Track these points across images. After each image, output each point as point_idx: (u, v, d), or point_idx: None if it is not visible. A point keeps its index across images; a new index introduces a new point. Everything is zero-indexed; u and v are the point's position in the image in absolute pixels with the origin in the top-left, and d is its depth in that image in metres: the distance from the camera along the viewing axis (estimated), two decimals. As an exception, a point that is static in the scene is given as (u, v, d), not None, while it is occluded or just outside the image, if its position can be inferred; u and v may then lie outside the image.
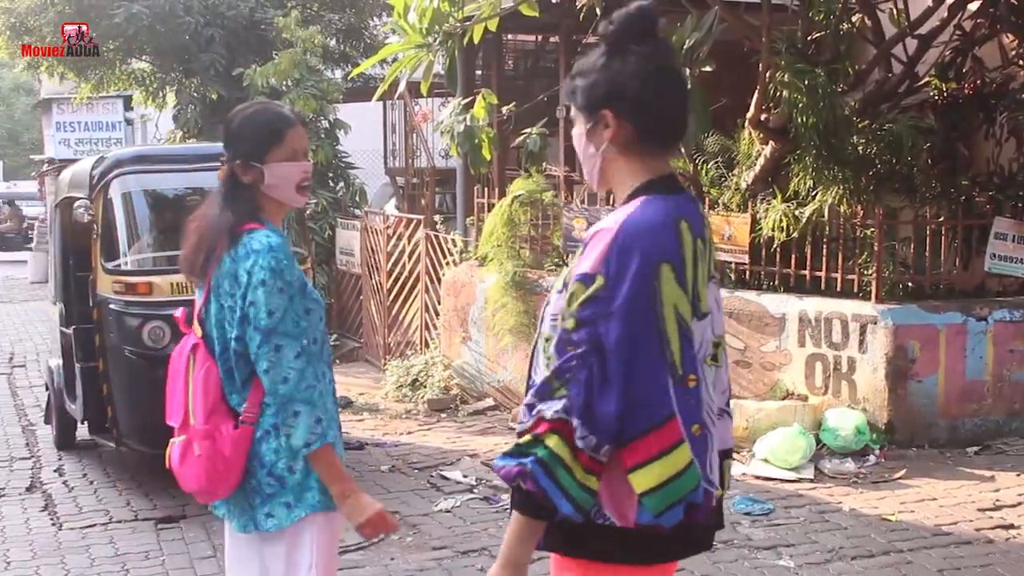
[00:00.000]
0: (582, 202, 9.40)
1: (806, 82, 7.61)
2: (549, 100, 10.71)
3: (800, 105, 7.66)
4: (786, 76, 7.84)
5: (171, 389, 3.20)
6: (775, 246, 7.95)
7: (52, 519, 6.70)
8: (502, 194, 9.84)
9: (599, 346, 2.26)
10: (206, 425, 3.06)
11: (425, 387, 9.95)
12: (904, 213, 8.38)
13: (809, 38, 8.27)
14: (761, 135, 8.44)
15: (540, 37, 13.65)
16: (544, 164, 9.48)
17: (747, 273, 8.16)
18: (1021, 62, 8.40)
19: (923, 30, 8.34)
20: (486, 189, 10.34)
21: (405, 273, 11.16)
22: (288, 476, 3.06)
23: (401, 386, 10.15)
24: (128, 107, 24.30)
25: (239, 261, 3.04)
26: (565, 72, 11.37)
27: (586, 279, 2.30)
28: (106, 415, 7.00)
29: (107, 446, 7.44)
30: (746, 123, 8.44)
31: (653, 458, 2.28)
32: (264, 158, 3.13)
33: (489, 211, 9.72)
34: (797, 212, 7.92)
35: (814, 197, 8.04)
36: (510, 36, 12.66)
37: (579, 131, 2.45)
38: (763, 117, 8.30)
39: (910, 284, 8.04)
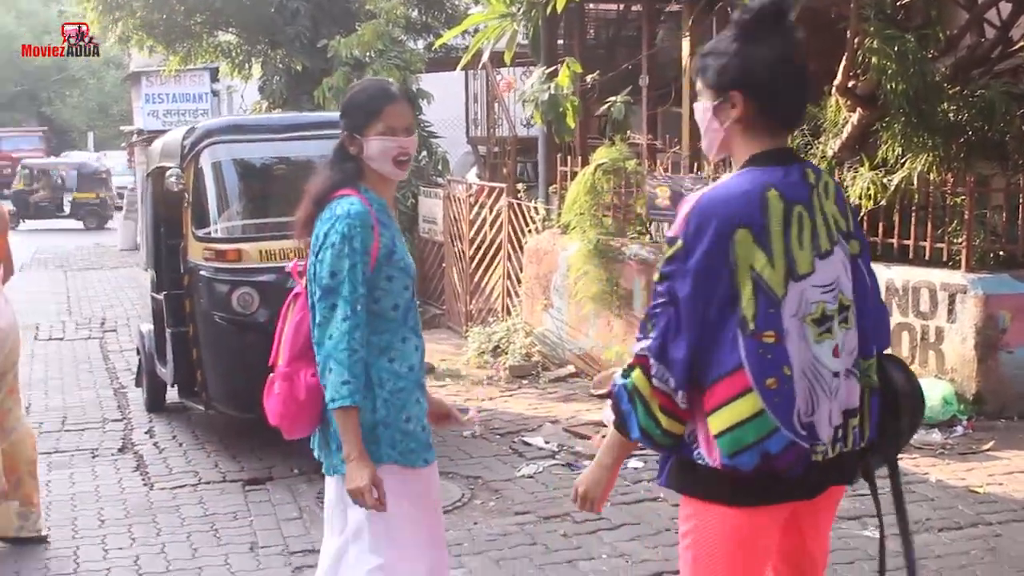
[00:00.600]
0: (665, 170, 9.31)
1: (896, 48, 7.43)
2: (632, 69, 10.65)
3: (889, 72, 7.50)
4: (875, 42, 7.67)
5: (277, 332, 3.47)
6: (862, 214, 7.79)
7: (144, 479, 6.86)
8: (584, 162, 9.81)
9: (675, 299, 2.55)
10: (287, 368, 3.32)
11: (507, 354, 9.97)
12: (996, 180, 8.15)
13: (899, 3, 8.08)
14: (849, 102, 8.28)
15: (622, 6, 13.58)
16: (628, 132, 9.44)
17: (833, 241, 7.95)
18: None
19: None
20: (568, 158, 10.31)
21: (487, 241, 11.17)
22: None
23: (483, 353, 10.18)
24: (214, 79, 24.62)
25: (322, 222, 3.29)
26: (648, 41, 11.43)
27: (671, 241, 2.60)
28: (195, 379, 7.12)
29: (196, 409, 7.57)
30: (833, 90, 8.27)
31: (723, 404, 2.55)
32: (364, 131, 3.34)
33: (572, 179, 9.70)
34: (885, 180, 7.77)
35: (902, 165, 7.87)
36: (591, 5, 12.63)
37: (705, 105, 2.69)
38: (851, 84, 8.15)
39: (1001, 253, 7.85)
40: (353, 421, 3.20)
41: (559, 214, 9.90)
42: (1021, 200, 7.86)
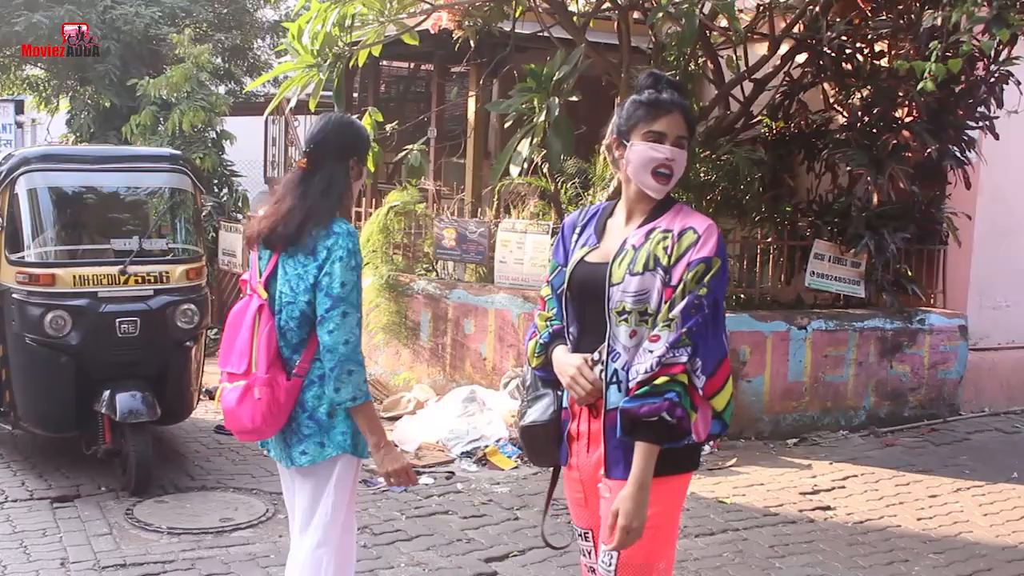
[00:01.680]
0: (452, 214, 9.36)
1: (657, 115, 7.65)
2: (425, 121, 10.75)
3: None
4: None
5: (231, 340, 3.45)
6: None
7: (-52, 497, 6.29)
8: (373, 204, 9.79)
9: (716, 308, 2.85)
10: (267, 374, 3.33)
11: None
12: (735, 234, 8.63)
13: None
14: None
15: (413, 64, 13.63)
16: (421, 178, 9.35)
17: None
18: (838, 107, 8.65)
19: (758, 75, 8.58)
20: (360, 199, 10.19)
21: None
22: (325, 420, 3.35)
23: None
24: (19, 111, 23.13)
25: (319, 239, 3.32)
26: (437, 97, 11.52)
27: (708, 261, 2.85)
28: (3, 399, 6.62)
29: (3, 429, 7.00)
30: (602, 148, 8.42)
31: (724, 383, 2.89)
32: (365, 161, 3.56)
33: (364, 220, 9.64)
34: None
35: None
36: (385, 61, 12.63)
37: (685, 155, 2.99)
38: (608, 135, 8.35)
39: (742, 296, 8.29)
40: (375, 412, 3.38)
41: None
42: (758, 251, 8.34)
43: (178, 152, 8.16)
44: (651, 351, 2.79)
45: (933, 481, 6.87)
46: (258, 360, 3.35)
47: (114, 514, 5.91)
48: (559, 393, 3.06)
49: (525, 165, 7.55)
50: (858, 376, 8.17)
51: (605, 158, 8.32)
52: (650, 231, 2.90)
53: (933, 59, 5.82)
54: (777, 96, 8.78)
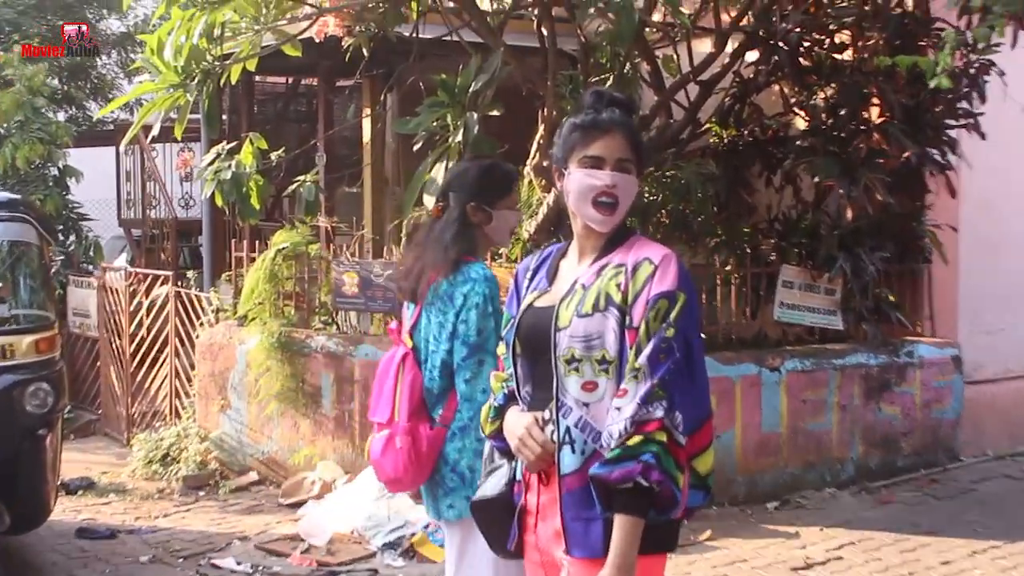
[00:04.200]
0: (352, 255, 9.12)
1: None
2: (312, 147, 10.61)
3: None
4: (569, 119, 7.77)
5: (379, 389, 3.90)
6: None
7: None
8: (254, 247, 9.52)
9: (690, 350, 2.82)
10: (408, 423, 3.74)
11: (179, 462, 9.35)
12: (688, 261, 8.47)
13: (590, 80, 8.27)
14: (544, 182, 8.39)
15: (292, 79, 13.47)
16: (318, 214, 9.24)
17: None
18: (798, 110, 8.67)
19: (704, 76, 8.53)
20: (234, 241, 10.07)
21: (150, 336, 10.55)
22: (468, 473, 3.71)
23: (151, 462, 9.50)
24: None
25: (456, 285, 3.75)
26: (325, 116, 11.30)
27: (670, 295, 2.84)
28: None
29: None
30: (528, 169, 8.39)
31: (709, 443, 2.89)
32: (496, 204, 3.88)
33: (247, 265, 9.40)
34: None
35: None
36: (259, 77, 12.41)
37: (636, 182, 3.05)
38: (545, 163, 8.15)
39: (701, 335, 8.06)
40: None
41: (235, 304, 9.49)
42: (716, 282, 8.32)
43: (17, 196, 7.88)
44: (619, 409, 2.79)
45: (943, 544, 6.84)
46: (400, 409, 3.77)
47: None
48: (514, 464, 3.10)
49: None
50: (842, 422, 8.17)
51: (531, 181, 8.57)
52: (602, 268, 2.96)
53: (948, 49, 5.74)
54: (727, 100, 8.83)
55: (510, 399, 3.10)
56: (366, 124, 10.32)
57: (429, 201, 7.18)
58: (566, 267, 3.09)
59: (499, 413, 3.11)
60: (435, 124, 7.32)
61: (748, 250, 8.65)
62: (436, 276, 3.77)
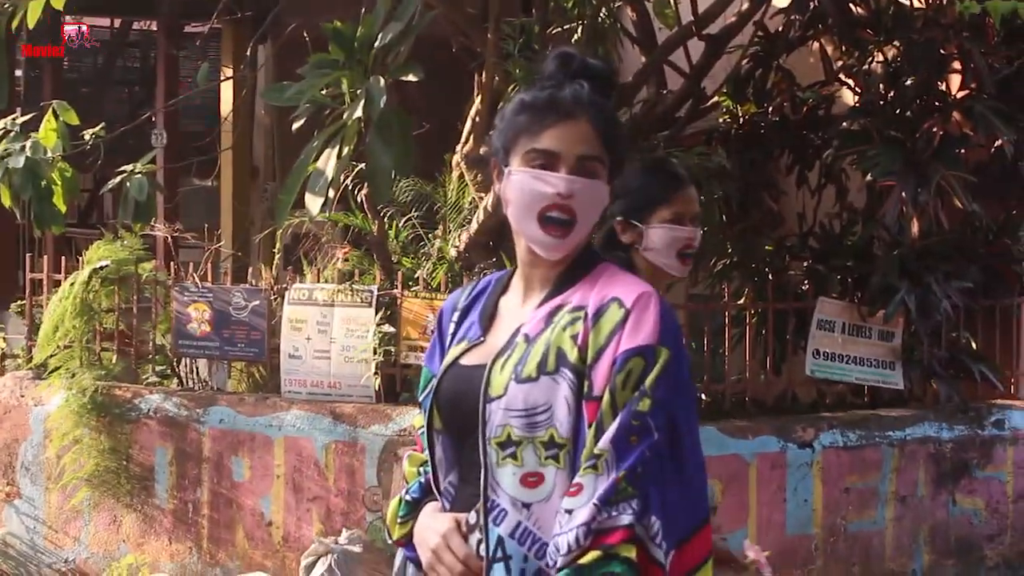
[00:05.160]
0: (203, 278, 8.23)
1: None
2: (147, 121, 10.27)
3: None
4: (518, 90, 6.47)
5: None
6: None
7: None
8: (59, 265, 8.68)
9: (675, 428, 2.65)
10: None
11: (-57, 576, 9.32)
12: (686, 291, 7.82)
13: (548, 34, 7.96)
14: (479, 177, 7.74)
15: (120, 22, 13.12)
16: (153, 219, 8.63)
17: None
18: (845, 77, 8.10)
19: (713, 29, 8.19)
20: (30, 257, 9.16)
21: None
22: None
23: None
24: None
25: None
26: (166, 77, 11.13)
27: (648, 352, 2.63)
28: None
29: None
30: (458, 160, 7.85)
31: (706, 558, 2.72)
32: (647, 218, 3.80)
33: (43, 291, 8.56)
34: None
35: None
36: (70, 19, 12.24)
37: (606, 190, 2.93)
38: (483, 150, 7.70)
39: (702, 396, 7.54)
40: None
41: (29, 348, 8.79)
42: (725, 320, 7.59)
43: None
44: (570, 512, 2.60)
45: None
46: None
47: None
48: None
49: (331, 193, 6.53)
50: (901, 520, 7.57)
51: (463, 175, 8.03)
52: (554, 311, 2.77)
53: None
54: (744, 63, 8.41)
55: (427, 492, 2.91)
56: (226, 90, 9.84)
57: (314, 203, 6.38)
58: (507, 307, 2.87)
59: (411, 510, 2.92)
60: (325, 92, 6.59)
61: (770, 276, 8.09)
62: None
